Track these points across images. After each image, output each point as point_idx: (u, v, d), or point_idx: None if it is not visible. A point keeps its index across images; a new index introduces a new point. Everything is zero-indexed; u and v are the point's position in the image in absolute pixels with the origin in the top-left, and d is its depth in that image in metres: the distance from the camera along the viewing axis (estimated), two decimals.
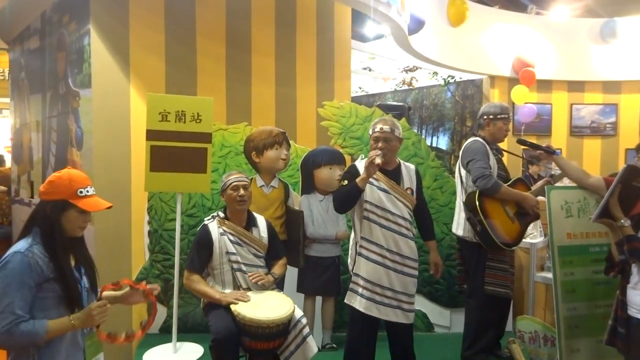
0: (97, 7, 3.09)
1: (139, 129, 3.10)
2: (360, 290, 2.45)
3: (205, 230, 2.52)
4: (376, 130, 2.50)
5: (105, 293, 1.73)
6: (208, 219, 2.59)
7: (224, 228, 2.52)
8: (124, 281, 1.71)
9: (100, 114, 3.07)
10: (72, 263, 1.64)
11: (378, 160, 2.32)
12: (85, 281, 1.65)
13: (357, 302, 2.46)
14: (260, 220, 2.64)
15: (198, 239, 2.54)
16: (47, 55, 3.89)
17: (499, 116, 2.84)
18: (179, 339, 3.04)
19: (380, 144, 2.46)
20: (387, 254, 2.46)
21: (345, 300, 2.49)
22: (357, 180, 2.38)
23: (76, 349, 1.62)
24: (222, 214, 2.58)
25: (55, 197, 1.58)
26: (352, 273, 2.51)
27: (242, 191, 2.50)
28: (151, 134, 2.87)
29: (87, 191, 1.61)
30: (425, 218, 2.71)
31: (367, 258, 2.46)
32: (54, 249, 1.54)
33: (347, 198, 2.42)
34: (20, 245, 1.54)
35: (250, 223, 2.59)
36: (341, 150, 3.37)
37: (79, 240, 1.66)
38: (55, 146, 3.74)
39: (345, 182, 2.45)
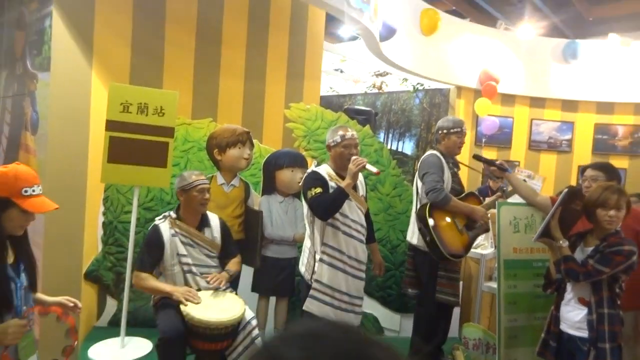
0: None
1: (100, 118, 3.01)
2: (321, 296, 2.50)
3: (156, 231, 2.48)
4: (347, 137, 2.55)
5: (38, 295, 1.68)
6: (159, 219, 2.54)
7: (176, 229, 2.49)
8: (53, 309, 1.63)
9: (58, 99, 2.96)
10: (12, 260, 1.58)
11: (374, 169, 2.45)
12: (23, 279, 1.60)
13: (316, 309, 2.50)
14: (214, 220, 2.63)
15: (148, 239, 2.50)
16: (4, 33, 3.71)
17: (452, 130, 2.92)
18: (129, 333, 3.00)
19: (353, 150, 2.54)
20: (347, 260, 2.53)
21: (304, 308, 2.52)
22: (344, 185, 2.44)
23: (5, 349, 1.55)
24: (173, 214, 2.54)
25: None
26: (312, 281, 2.52)
27: (207, 194, 2.51)
28: (111, 125, 2.80)
29: (34, 190, 1.55)
30: (369, 223, 2.81)
31: (329, 265, 2.50)
32: None
33: (336, 204, 2.45)
34: None
35: (203, 223, 2.57)
36: (305, 153, 3.40)
37: (20, 237, 1.60)
38: (8, 128, 3.59)
39: (319, 189, 2.45)
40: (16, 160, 3.33)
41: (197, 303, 2.33)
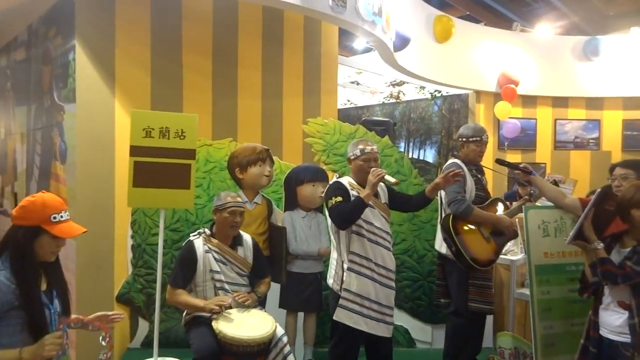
0: (83, 22, 3.10)
1: (124, 144, 3.10)
2: (350, 305, 2.49)
3: (190, 247, 2.53)
4: (367, 151, 2.59)
5: (73, 316, 1.72)
6: (194, 235, 2.60)
7: (210, 245, 2.53)
8: (92, 321, 1.70)
9: (84, 129, 3.07)
10: (44, 287, 1.63)
11: (392, 180, 2.47)
12: (57, 305, 1.64)
13: (346, 318, 2.49)
14: (247, 239, 2.66)
15: (182, 255, 2.55)
16: (32, 68, 3.88)
17: (471, 139, 2.88)
18: (161, 354, 3.02)
19: (372, 163, 2.56)
20: (375, 267, 2.52)
21: (334, 317, 2.51)
22: (363, 195, 2.45)
23: None
24: (208, 231, 2.59)
25: (28, 223, 1.57)
26: (341, 290, 2.52)
27: (238, 218, 2.54)
28: (135, 150, 2.87)
29: (62, 216, 1.60)
30: (410, 197, 2.79)
31: (358, 273, 2.50)
32: (22, 276, 1.53)
33: (354, 213, 2.47)
34: None
35: (237, 242, 2.61)
36: (325, 167, 3.41)
37: (52, 264, 1.65)
38: (39, 159, 3.73)
39: (340, 198, 2.48)
40: (48, 189, 3.46)
41: (230, 309, 2.36)
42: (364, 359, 2.69)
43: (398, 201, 2.74)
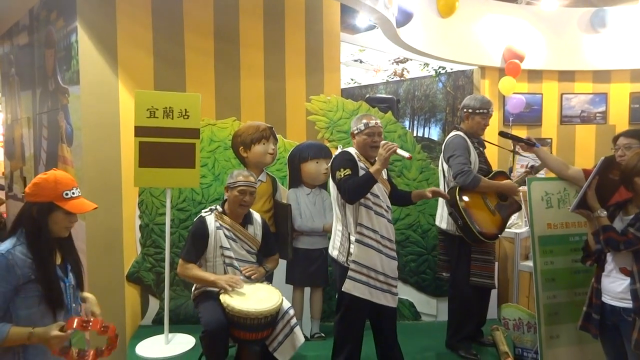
0: (84, 3, 3.09)
1: (129, 125, 3.13)
2: (358, 276, 2.48)
3: (202, 222, 2.58)
4: (371, 124, 2.54)
5: (86, 300, 1.78)
6: (206, 212, 2.64)
7: (221, 222, 2.58)
8: (96, 323, 1.60)
9: (89, 110, 3.09)
10: (59, 261, 1.68)
11: (405, 154, 2.43)
12: (71, 278, 1.70)
13: (354, 289, 2.48)
14: (257, 218, 2.71)
15: (194, 230, 2.60)
16: (35, 52, 3.89)
17: (477, 110, 2.86)
18: (171, 331, 3.11)
19: (376, 138, 2.53)
20: (380, 239, 2.52)
21: (343, 289, 2.50)
22: (372, 171, 2.41)
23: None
24: (220, 208, 2.63)
25: (41, 199, 1.61)
26: (348, 262, 2.49)
27: (247, 197, 2.57)
28: (139, 130, 2.90)
29: (73, 193, 1.64)
30: (399, 192, 2.79)
31: (366, 245, 2.49)
32: (38, 250, 1.58)
33: (364, 189, 2.44)
34: (4, 246, 1.57)
35: (247, 220, 2.65)
36: (328, 144, 3.42)
37: (66, 239, 1.70)
38: (46, 142, 3.76)
39: (348, 171, 2.44)
40: None
41: (240, 288, 2.40)
42: (368, 332, 2.74)
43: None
